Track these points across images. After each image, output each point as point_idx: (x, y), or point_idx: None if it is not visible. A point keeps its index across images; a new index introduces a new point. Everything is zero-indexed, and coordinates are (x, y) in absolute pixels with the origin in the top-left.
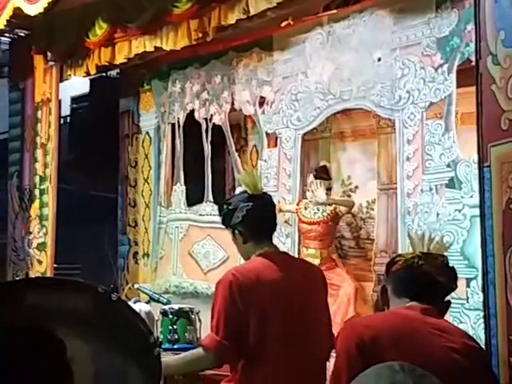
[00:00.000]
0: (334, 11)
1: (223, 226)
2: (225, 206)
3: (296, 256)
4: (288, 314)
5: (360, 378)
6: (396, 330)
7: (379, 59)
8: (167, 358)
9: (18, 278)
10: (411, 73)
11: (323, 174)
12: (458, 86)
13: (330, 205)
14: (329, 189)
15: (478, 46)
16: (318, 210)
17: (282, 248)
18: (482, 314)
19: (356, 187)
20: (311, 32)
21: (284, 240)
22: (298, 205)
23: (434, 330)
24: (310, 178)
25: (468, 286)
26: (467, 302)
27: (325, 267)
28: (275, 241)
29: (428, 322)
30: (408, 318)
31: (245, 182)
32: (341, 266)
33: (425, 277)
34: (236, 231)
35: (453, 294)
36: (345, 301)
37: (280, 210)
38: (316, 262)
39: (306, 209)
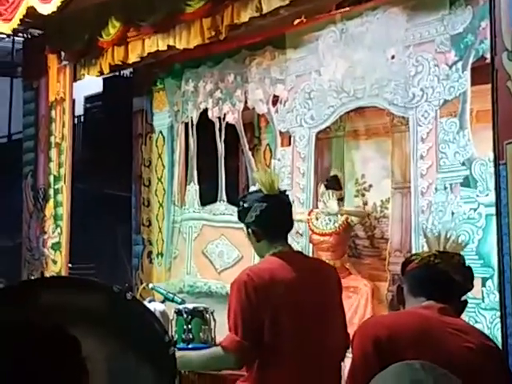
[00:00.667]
0: (347, 9)
1: (237, 226)
2: (241, 203)
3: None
4: (303, 313)
5: (379, 377)
6: (413, 329)
7: (393, 57)
8: (190, 353)
9: (33, 278)
10: (425, 70)
11: (334, 184)
12: (473, 83)
13: (341, 215)
14: (340, 199)
15: (494, 43)
16: (330, 220)
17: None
18: (498, 313)
19: (370, 186)
20: (324, 30)
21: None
22: (309, 214)
23: (451, 330)
24: (322, 188)
25: (484, 285)
26: (483, 301)
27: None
28: None
29: (445, 322)
30: (424, 317)
31: (261, 180)
32: (355, 272)
33: (441, 276)
34: (249, 230)
35: (468, 294)
36: (362, 303)
37: None
38: None
39: (317, 219)
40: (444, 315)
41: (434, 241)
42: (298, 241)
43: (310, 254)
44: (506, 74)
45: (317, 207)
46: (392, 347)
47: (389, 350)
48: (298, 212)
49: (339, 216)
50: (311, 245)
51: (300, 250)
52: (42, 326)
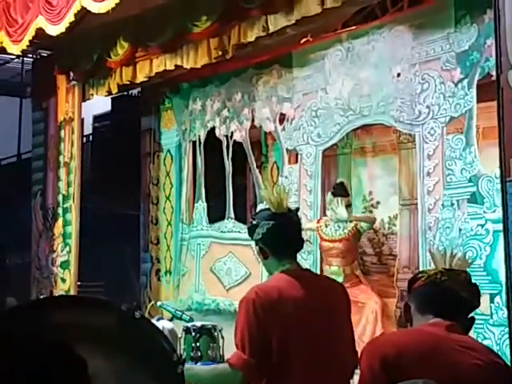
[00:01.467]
0: (353, 28)
1: (245, 243)
2: (250, 220)
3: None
4: (310, 331)
5: None
6: (420, 347)
7: (399, 75)
8: (198, 367)
9: (43, 297)
10: (431, 88)
11: (342, 191)
12: (479, 100)
13: (350, 221)
14: (348, 205)
15: (499, 61)
16: (339, 227)
17: (304, 266)
18: (506, 329)
19: (378, 203)
20: (330, 48)
21: (306, 257)
22: (318, 222)
23: (459, 347)
24: (329, 195)
25: (492, 301)
26: (491, 317)
27: (349, 284)
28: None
29: (453, 339)
30: (432, 335)
31: (269, 198)
32: (365, 282)
33: (448, 293)
34: (258, 247)
35: (476, 310)
36: (371, 319)
37: None
38: (339, 279)
39: (326, 226)
40: (452, 332)
41: (440, 258)
42: (308, 250)
43: (319, 262)
44: None
45: (325, 216)
46: (399, 365)
47: (396, 368)
48: (307, 221)
49: (348, 223)
50: (320, 252)
51: (310, 255)
52: (49, 344)
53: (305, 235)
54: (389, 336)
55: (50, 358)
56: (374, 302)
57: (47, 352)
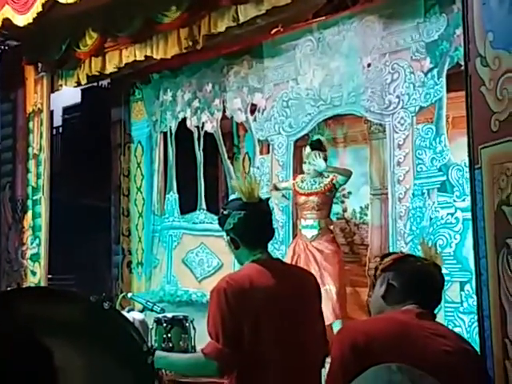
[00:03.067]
0: (324, 18)
1: (217, 234)
2: (221, 211)
3: (292, 234)
4: (282, 320)
5: (357, 381)
6: (391, 334)
7: (369, 65)
8: (174, 356)
9: (9, 289)
10: (401, 78)
11: (319, 145)
12: (449, 90)
13: (327, 176)
14: (325, 159)
15: (467, 49)
16: (315, 181)
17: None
18: (476, 317)
19: (349, 193)
20: (301, 39)
21: (281, 216)
22: (294, 179)
23: (429, 334)
24: (307, 149)
25: (462, 289)
26: (461, 305)
27: (324, 238)
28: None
29: (423, 326)
30: (403, 322)
31: (240, 188)
32: (337, 242)
33: (421, 281)
34: (228, 237)
35: (447, 298)
36: (328, 303)
37: (276, 188)
38: (315, 231)
39: (302, 182)
40: (422, 319)
41: (427, 250)
42: (282, 204)
43: (294, 214)
44: (480, 80)
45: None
46: (370, 352)
47: (367, 355)
48: (283, 181)
49: (324, 178)
50: (296, 209)
51: (284, 217)
52: (13, 336)
53: (281, 193)
54: (359, 323)
55: (12, 350)
56: (333, 287)
57: (10, 344)
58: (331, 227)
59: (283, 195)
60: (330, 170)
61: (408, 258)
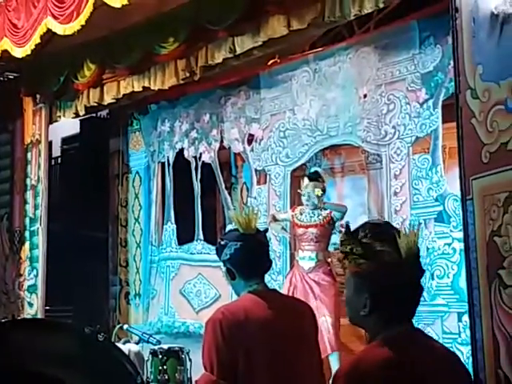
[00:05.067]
0: (320, 49)
1: (214, 265)
2: (218, 241)
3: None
4: (277, 352)
5: None
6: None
7: (365, 95)
8: None
9: (3, 320)
10: (397, 108)
11: (317, 176)
12: (445, 120)
13: (325, 209)
14: (323, 191)
15: (457, 81)
16: (314, 214)
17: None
18: None
19: (347, 222)
20: (298, 70)
21: (278, 247)
22: (293, 211)
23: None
24: (305, 181)
25: (460, 320)
26: (459, 336)
27: (321, 270)
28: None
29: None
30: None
31: (237, 219)
32: (334, 274)
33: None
34: (225, 267)
35: (445, 329)
36: (323, 332)
37: (275, 219)
38: (312, 263)
39: (301, 214)
40: (418, 340)
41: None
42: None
43: (292, 245)
44: (471, 112)
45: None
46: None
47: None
48: (282, 212)
49: (323, 210)
50: (294, 240)
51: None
52: (7, 368)
53: (280, 224)
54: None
55: (6, 381)
56: (329, 317)
57: (4, 374)
58: (329, 259)
59: (282, 227)
60: (325, 205)
61: None
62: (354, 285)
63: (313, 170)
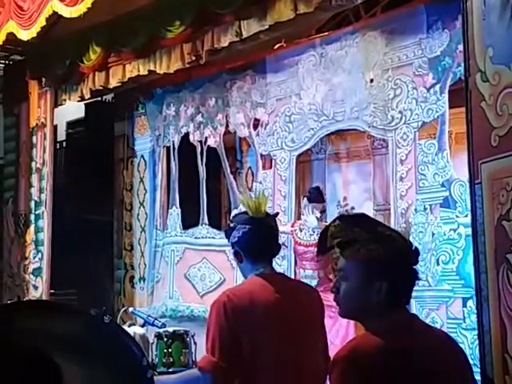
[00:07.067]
0: (327, 33)
1: (219, 249)
2: (228, 223)
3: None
4: (282, 335)
5: None
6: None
7: (372, 80)
8: (163, 378)
9: (9, 302)
10: (403, 93)
11: (316, 196)
12: (452, 106)
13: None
14: (323, 211)
15: (467, 64)
16: (314, 231)
17: (279, 270)
18: None
19: (352, 208)
20: (304, 54)
21: (280, 262)
22: (292, 226)
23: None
24: (304, 201)
25: (464, 305)
26: (464, 321)
27: (322, 288)
28: None
29: (420, 340)
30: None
31: (247, 203)
32: None
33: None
34: (233, 250)
35: (449, 315)
36: (344, 323)
37: None
38: (313, 283)
39: (301, 231)
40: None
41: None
42: (282, 254)
43: (293, 265)
44: (480, 95)
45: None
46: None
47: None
48: (281, 225)
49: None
50: (294, 256)
51: (284, 261)
52: (23, 349)
53: (280, 239)
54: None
55: (13, 361)
56: None
57: (11, 355)
58: (331, 276)
59: (283, 243)
60: (322, 227)
61: None
62: (366, 272)
63: (314, 185)
